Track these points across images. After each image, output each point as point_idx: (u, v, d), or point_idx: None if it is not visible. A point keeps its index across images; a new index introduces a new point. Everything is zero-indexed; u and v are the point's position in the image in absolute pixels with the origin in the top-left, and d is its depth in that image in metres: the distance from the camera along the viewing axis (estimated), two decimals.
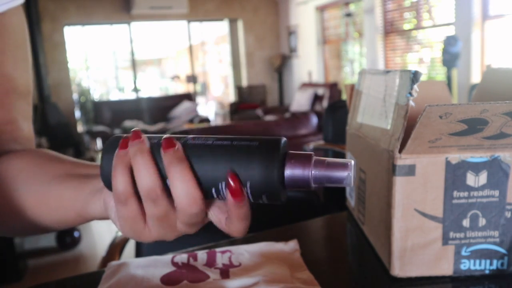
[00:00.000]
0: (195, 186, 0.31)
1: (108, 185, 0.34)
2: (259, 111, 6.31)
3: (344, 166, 0.32)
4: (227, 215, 0.33)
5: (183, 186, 0.31)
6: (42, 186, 0.41)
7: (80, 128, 6.51)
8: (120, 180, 0.32)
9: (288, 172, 0.32)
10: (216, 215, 0.35)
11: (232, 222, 0.33)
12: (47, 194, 0.41)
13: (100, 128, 5.86)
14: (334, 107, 1.79)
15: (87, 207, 0.38)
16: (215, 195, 0.33)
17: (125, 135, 0.34)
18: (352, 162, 0.32)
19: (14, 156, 0.46)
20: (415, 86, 0.49)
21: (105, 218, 0.37)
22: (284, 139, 0.33)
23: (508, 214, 0.50)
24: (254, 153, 0.32)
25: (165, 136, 0.32)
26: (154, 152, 0.33)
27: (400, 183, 0.50)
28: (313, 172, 0.32)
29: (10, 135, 0.50)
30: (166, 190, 0.32)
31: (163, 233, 0.34)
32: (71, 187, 0.40)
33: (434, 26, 4.51)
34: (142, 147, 0.32)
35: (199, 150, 0.33)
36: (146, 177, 0.31)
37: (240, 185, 0.31)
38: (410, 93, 0.49)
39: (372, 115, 0.61)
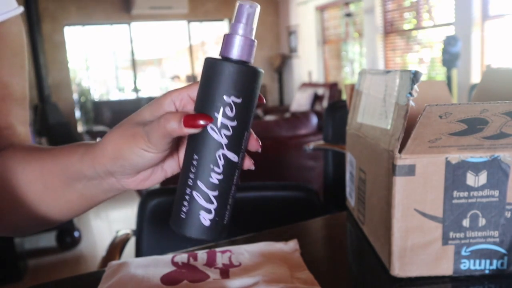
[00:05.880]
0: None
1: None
2: (259, 111, 6.31)
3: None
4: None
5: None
6: (39, 171, 0.46)
7: (80, 128, 6.49)
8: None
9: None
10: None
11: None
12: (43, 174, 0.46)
13: (100, 128, 5.86)
14: (334, 107, 1.79)
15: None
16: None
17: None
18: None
19: (5, 152, 0.48)
20: (415, 86, 0.49)
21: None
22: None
23: (508, 214, 0.50)
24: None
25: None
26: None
27: (400, 183, 0.50)
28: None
29: (7, 140, 0.51)
30: None
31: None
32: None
33: (434, 26, 4.51)
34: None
35: None
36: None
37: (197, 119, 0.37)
38: (410, 93, 0.49)
39: (372, 115, 0.61)
